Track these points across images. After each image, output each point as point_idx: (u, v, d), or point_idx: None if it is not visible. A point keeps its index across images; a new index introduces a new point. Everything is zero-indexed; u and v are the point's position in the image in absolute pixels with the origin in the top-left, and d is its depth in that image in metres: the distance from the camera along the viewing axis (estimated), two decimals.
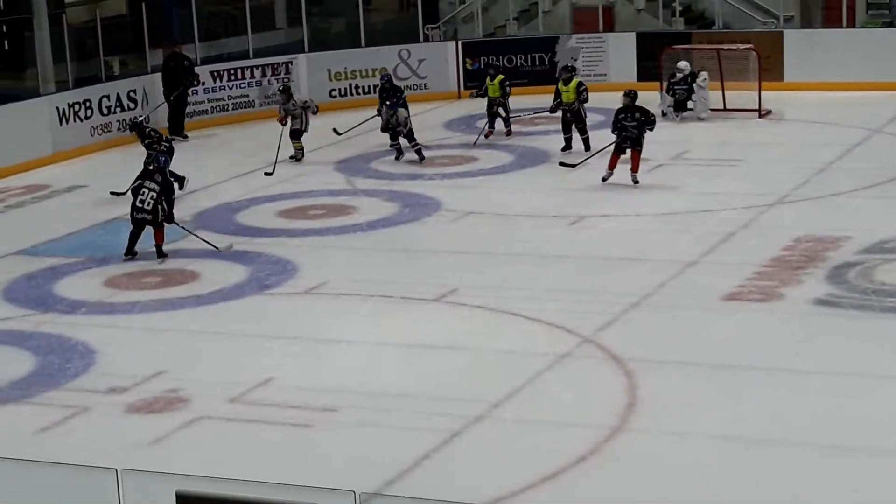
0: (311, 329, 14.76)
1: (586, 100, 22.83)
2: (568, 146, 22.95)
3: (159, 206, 17.64)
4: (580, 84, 22.98)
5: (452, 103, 28.62)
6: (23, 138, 23.38)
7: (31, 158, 23.45)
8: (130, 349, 14.37)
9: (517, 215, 19.02)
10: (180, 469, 9.36)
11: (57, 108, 24.32)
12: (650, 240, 17.51)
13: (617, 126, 20.43)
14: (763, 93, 25.37)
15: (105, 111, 25.18)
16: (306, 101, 23.56)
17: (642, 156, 20.30)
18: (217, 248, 17.65)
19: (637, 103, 20.49)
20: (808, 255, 16.27)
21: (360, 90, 28.43)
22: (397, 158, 22.98)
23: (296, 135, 23.25)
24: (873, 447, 11.09)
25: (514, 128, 24.84)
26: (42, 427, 12.33)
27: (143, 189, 17.70)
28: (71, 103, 24.59)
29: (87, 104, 24.86)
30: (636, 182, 20.20)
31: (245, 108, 27.54)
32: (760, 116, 25.08)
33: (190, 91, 26.07)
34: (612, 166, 20.34)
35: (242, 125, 27.07)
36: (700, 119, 25.33)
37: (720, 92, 25.70)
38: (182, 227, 18.14)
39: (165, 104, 25.58)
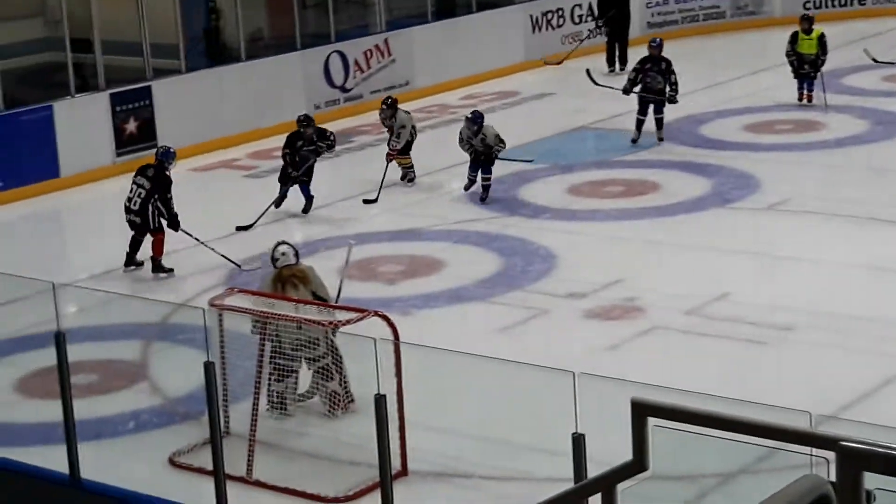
0: (772, 246, 14.53)
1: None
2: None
3: (150, 208, 14.49)
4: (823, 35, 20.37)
5: None
6: (497, 45, 24.00)
7: (504, 65, 24.03)
8: (590, 256, 14.60)
9: None
10: (634, 377, 9.47)
11: (531, 15, 24.79)
12: None
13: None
14: None
15: (577, 20, 25.46)
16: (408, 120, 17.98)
17: None
18: (238, 265, 14.39)
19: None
20: None
21: None
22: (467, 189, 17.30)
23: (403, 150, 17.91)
24: None
25: None
26: (503, 326, 12.75)
27: (132, 185, 14.72)
28: (544, 11, 25.02)
29: (560, 13, 25.22)
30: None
31: (715, 18, 27.18)
32: None
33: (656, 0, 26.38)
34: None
35: (712, 35, 26.72)
36: None
37: None
38: (190, 236, 14.74)
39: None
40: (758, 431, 4.93)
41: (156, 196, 14.40)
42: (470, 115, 17.04)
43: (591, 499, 5.61)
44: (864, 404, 10.55)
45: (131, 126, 18.97)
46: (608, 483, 5.31)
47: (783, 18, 27.01)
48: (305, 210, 16.53)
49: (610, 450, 5.74)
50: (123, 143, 18.91)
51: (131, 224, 14.55)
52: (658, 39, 19.37)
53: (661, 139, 18.73)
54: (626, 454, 5.16)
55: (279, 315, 10.11)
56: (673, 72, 18.79)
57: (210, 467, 9.07)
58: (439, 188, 17.63)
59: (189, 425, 10.66)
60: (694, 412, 4.90)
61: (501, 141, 16.80)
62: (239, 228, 15.81)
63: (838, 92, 21.36)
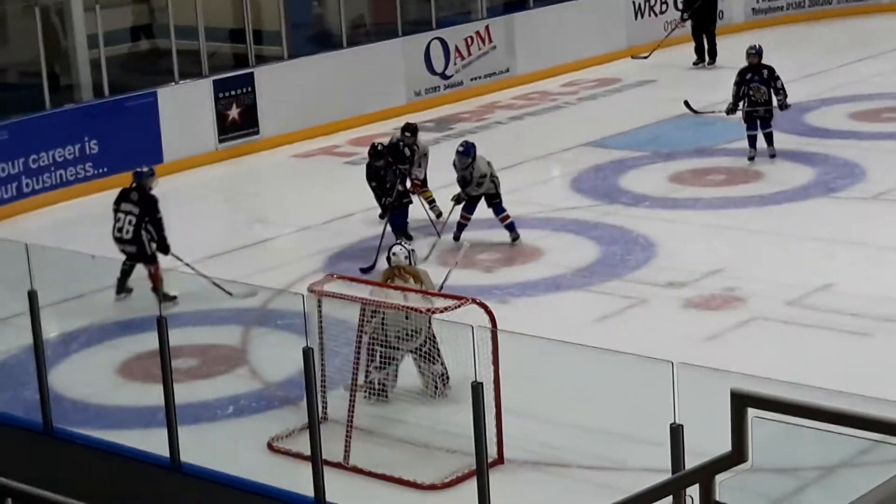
0: (877, 236, 14.29)
1: None
2: None
3: (143, 234, 13.35)
4: None
5: None
6: (598, 32, 23.85)
7: (606, 52, 23.88)
8: (691, 245, 14.47)
9: None
10: (734, 367, 9.37)
11: (633, 2, 24.59)
12: None
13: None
14: None
15: (679, 5, 25.21)
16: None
17: None
18: (230, 293, 12.61)
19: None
20: None
21: None
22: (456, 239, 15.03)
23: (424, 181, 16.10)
24: None
25: None
26: (602, 315, 12.68)
27: (119, 214, 13.51)
28: None
29: None
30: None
31: (821, 5, 26.78)
32: None
33: None
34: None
35: (819, 22, 26.31)
36: None
37: None
38: (182, 262, 13.58)
39: None
40: (860, 424, 4.86)
41: (146, 219, 13.34)
42: (461, 148, 14.89)
43: (688, 490, 5.55)
44: None
45: (234, 112, 19.12)
46: (707, 474, 5.26)
47: (890, 5, 26.58)
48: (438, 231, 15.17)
49: (708, 441, 5.68)
50: (226, 129, 19.07)
51: (126, 254, 13.40)
52: (757, 46, 17.85)
53: (773, 155, 17.29)
54: (724, 445, 5.10)
55: (376, 301, 10.14)
56: (777, 77, 17.43)
57: (308, 453, 9.12)
58: (539, 176, 17.58)
59: (287, 411, 10.73)
60: (795, 403, 4.84)
61: (492, 179, 14.70)
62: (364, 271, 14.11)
63: None
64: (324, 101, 20.01)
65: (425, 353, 10.57)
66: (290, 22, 20.43)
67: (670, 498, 5.78)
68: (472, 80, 21.99)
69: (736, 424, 4.97)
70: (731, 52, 24.23)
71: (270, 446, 10.25)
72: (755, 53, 17.66)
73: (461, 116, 20.77)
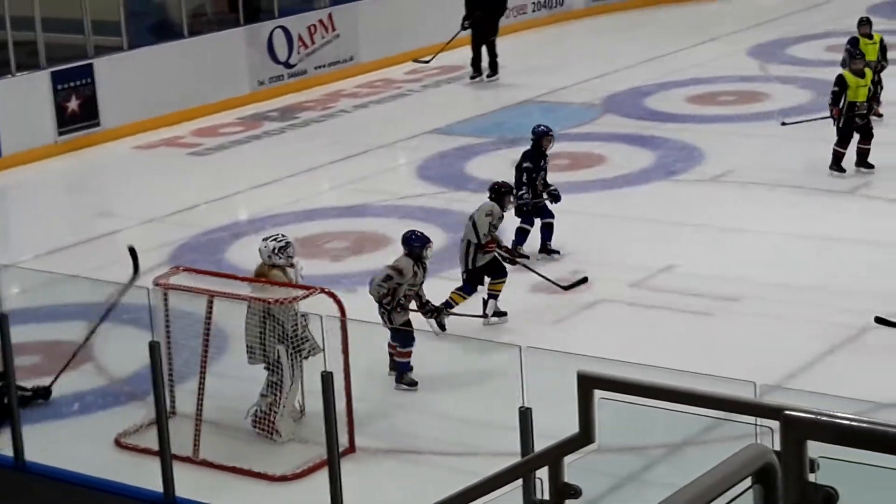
0: (717, 217, 14.59)
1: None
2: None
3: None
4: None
5: None
6: (441, 19, 23.82)
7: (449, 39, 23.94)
8: (535, 230, 14.57)
9: None
10: (581, 349, 9.49)
11: None
12: None
13: None
14: None
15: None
16: None
17: None
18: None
19: None
20: None
21: None
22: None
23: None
24: None
25: None
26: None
27: None
28: None
29: None
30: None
31: None
32: None
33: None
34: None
35: (656, 7, 26.72)
36: None
37: None
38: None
39: None
40: (703, 402, 4.95)
41: None
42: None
43: (538, 472, 5.61)
44: (808, 374, 10.63)
45: (73, 104, 18.77)
46: (555, 456, 5.31)
47: None
48: None
49: (556, 424, 5.74)
50: (65, 121, 18.71)
51: None
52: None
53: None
54: (572, 427, 5.15)
55: (220, 293, 10.02)
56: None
57: (156, 447, 9.02)
58: (385, 164, 17.58)
59: (135, 406, 10.59)
60: (640, 384, 4.91)
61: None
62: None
63: (782, 62, 21.46)
64: (166, 92, 19.75)
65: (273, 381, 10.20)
66: (130, 11, 20.11)
67: (521, 481, 5.83)
68: (316, 68, 21.90)
69: (583, 406, 5.03)
70: (569, 39, 24.55)
71: (118, 442, 10.11)
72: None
73: (306, 105, 20.68)
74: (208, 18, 22.02)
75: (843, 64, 16.31)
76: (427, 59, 22.30)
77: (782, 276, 12.71)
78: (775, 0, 25.76)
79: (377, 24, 22.81)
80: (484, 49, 21.51)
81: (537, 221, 13.76)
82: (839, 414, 3.82)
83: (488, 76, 21.54)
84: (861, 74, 15.41)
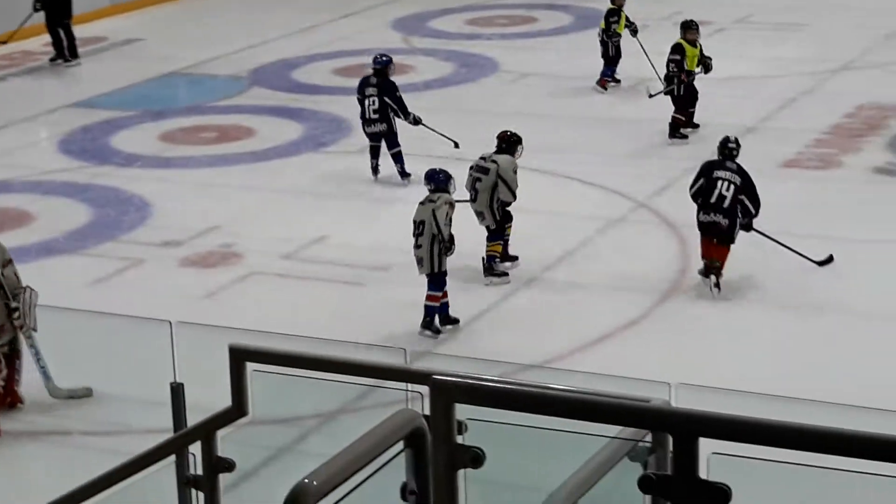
0: (366, 187, 14.74)
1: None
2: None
3: None
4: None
5: None
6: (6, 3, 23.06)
7: (89, 10, 23.32)
8: (185, 203, 14.43)
9: (574, 77, 18.78)
10: (233, 323, 9.44)
11: None
12: (711, 105, 17.26)
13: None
14: None
15: None
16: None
17: None
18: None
19: None
20: (870, 123, 16.04)
21: None
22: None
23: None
24: None
25: None
26: (97, 278, 12.45)
27: None
28: None
29: None
30: None
31: None
32: None
33: None
34: None
35: None
36: None
37: None
38: None
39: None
40: (354, 370, 5.01)
41: None
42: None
43: (191, 447, 5.55)
44: (457, 339, 10.88)
45: None
46: (207, 430, 5.28)
47: None
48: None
49: (210, 399, 5.70)
50: None
51: None
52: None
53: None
54: (226, 401, 5.13)
55: None
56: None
57: None
58: (25, 138, 17.02)
59: None
60: (290, 355, 4.93)
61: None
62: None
63: (424, 35, 21.86)
64: None
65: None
66: None
67: (174, 457, 5.76)
68: None
69: (235, 379, 5.01)
70: (214, 12, 24.36)
71: None
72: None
73: None
74: None
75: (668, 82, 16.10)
76: (4, 39, 20.61)
77: None
78: None
79: None
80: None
81: None
82: (485, 377, 3.93)
83: (66, 62, 20.65)
84: (694, 45, 15.90)
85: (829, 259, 12.08)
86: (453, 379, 3.60)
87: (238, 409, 5.05)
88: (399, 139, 14.66)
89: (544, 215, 13.59)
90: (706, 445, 3.41)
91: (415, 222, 11.21)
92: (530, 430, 3.74)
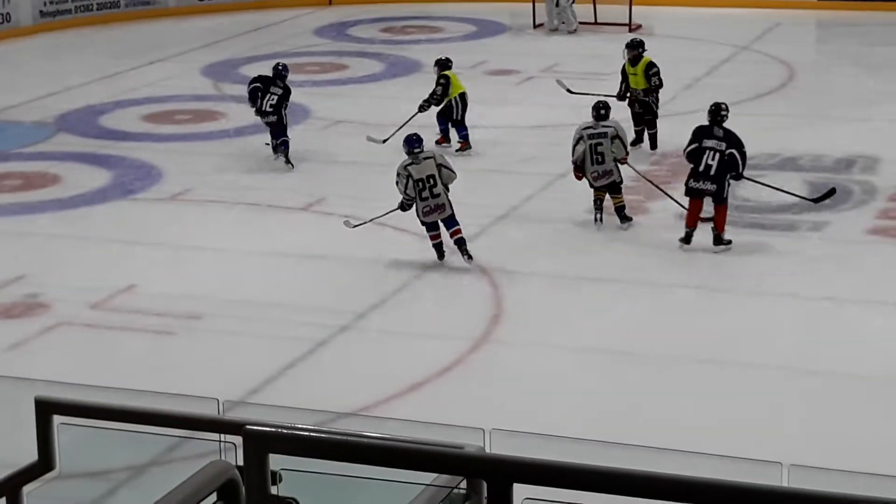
0: (176, 236, 14.58)
1: (658, 85, 17.30)
2: (638, 140, 17.47)
3: None
4: (650, 66, 17.21)
5: (324, 9, 28.30)
6: None
7: None
8: None
9: (387, 125, 18.85)
10: (40, 374, 9.21)
11: None
12: (520, 152, 17.53)
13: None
14: (634, 7, 25.46)
15: None
16: None
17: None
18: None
19: None
20: (674, 170, 16.42)
21: None
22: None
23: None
24: (735, 360, 11.30)
25: (387, 35, 24.69)
26: None
27: None
28: None
29: None
30: None
31: (109, 8, 26.93)
32: (631, 30, 25.12)
33: None
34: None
35: (108, 25, 26.47)
36: (570, 32, 25.38)
37: (591, 5, 25.74)
38: None
39: None
40: (165, 421, 4.93)
41: None
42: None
43: None
44: (271, 388, 10.80)
45: None
46: (13, 486, 5.13)
47: (176, 9, 27.25)
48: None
49: (15, 453, 5.54)
50: None
51: None
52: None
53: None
54: (32, 455, 5.00)
55: None
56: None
57: None
58: None
59: None
60: (99, 407, 4.83)
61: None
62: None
63: (235, 81, 21.73)
64: None
65: None
66: None
67: None
68: None
69: (41, 432, 4.89)
70: (18, 57, 23.93)
71: None
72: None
73: None
74: None
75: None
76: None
77: (241, 293, 12.85)
78: (220, 21, 26.12)
79: None
80: None
81: None
82: (299, 426, 3.90)
83: None
84: (634, 63, 17.17)
85: (830, 193, 13.74)
86: (267, 428, 3.56)
87: (45, 463, 4.93)
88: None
89: (359, 262, 13.60)
90: (520, 491, 3.43)
91: (422, 179, 13.04)
92: (346, 479, 3.72)
